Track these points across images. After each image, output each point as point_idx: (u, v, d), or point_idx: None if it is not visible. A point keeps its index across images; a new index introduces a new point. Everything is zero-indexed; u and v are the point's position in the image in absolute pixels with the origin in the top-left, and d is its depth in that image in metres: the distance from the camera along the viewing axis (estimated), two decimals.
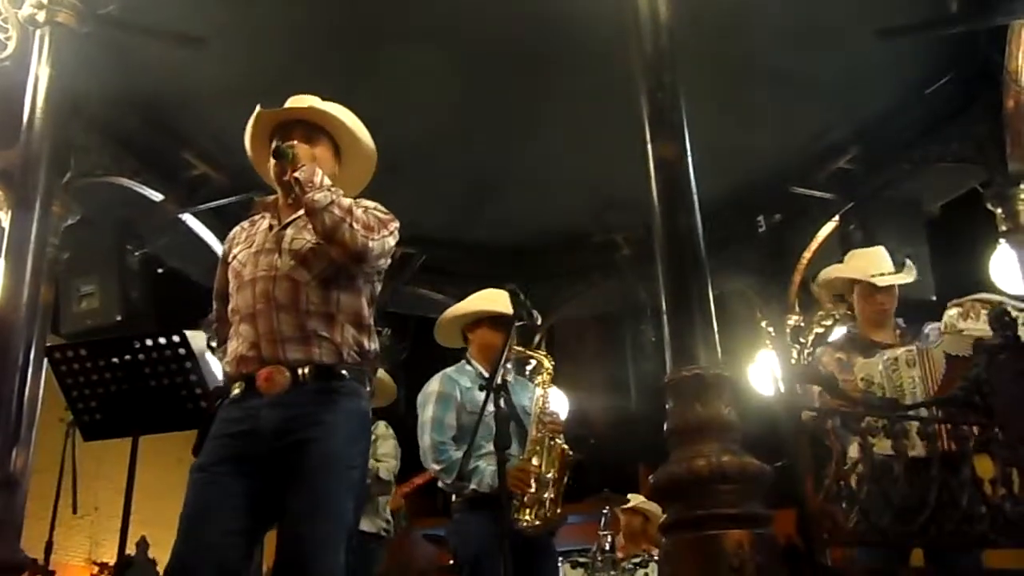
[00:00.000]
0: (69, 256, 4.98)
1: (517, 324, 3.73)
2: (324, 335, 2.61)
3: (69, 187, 4.66)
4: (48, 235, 3.93)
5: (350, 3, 4.50)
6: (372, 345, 2.75)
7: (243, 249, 2.81)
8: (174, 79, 4.66)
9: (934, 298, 5.18)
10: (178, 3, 4.31)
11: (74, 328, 5.21)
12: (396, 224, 2.80)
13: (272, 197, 2.89)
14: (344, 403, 2.59)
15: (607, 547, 5.76)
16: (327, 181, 2.67)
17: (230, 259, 2.84)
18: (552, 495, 3.75)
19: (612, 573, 5.45)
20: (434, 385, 4.01)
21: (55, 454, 5.09)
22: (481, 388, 3.48)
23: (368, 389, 2.73)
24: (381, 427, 4.90)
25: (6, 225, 3.86)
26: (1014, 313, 2.84)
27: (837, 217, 5.75)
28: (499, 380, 3.41)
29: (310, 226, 2.68)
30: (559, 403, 4.17)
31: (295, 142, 2.72)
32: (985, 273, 5.25)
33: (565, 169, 5.72)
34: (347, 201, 2.65)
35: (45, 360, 3.81)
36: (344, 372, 2.62)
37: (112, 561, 7.77)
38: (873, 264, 3.95)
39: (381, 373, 5.04)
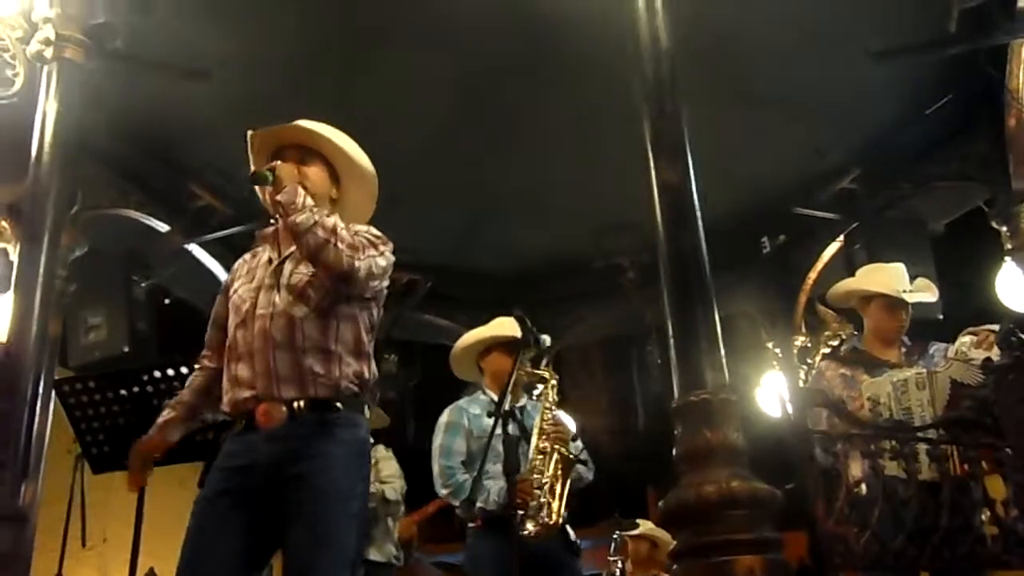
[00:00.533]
0: (77, 288, 4.99)
1: (524, 348, 3.77)
2: (320, 372, 2.60)
3: (76, 220, 4.69)
4: (56, 267, 3.94)
5: (350, 32, 4.54)
6: (370, 373, 2.73)
7: (244, 284, 2.79)
8: (179, 112, 4.70)
9: (940, 317, 5.18)
10: (182, 37, 4.36)
11: (82, 360, 5.23)
12: (388, 246, 2.77)
13: (272, 228, 2.86)
14: (341, 433, 2.59)
15: (617, 572, 5.73)
16: (310, 201, 2.62)
17: (231, 293, 2.82)
18: (550, 499, 3.73)
19: None
20: (443, 416, 4.11)
21: (64, 487, 5.09)
22: (489, 415, 3.51)
23: (366, 416, 2.71)
24: (381, 450, 4.89)
25: (15, 258, 3.88)
26: None
27: (842, 237, 5.75)
28: (507, 406, 3.44)
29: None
30: (567, 423, 4.18)
31: (276, 163, 2.68)
32: (991, 291, 5.25)
33: (569, 194, 5.74)
34: (331, 221, 2.61)
35: (53, 393, 3.83)
36: (339, 405, 2.62)
37: None
38: (896, 279, 3.93)
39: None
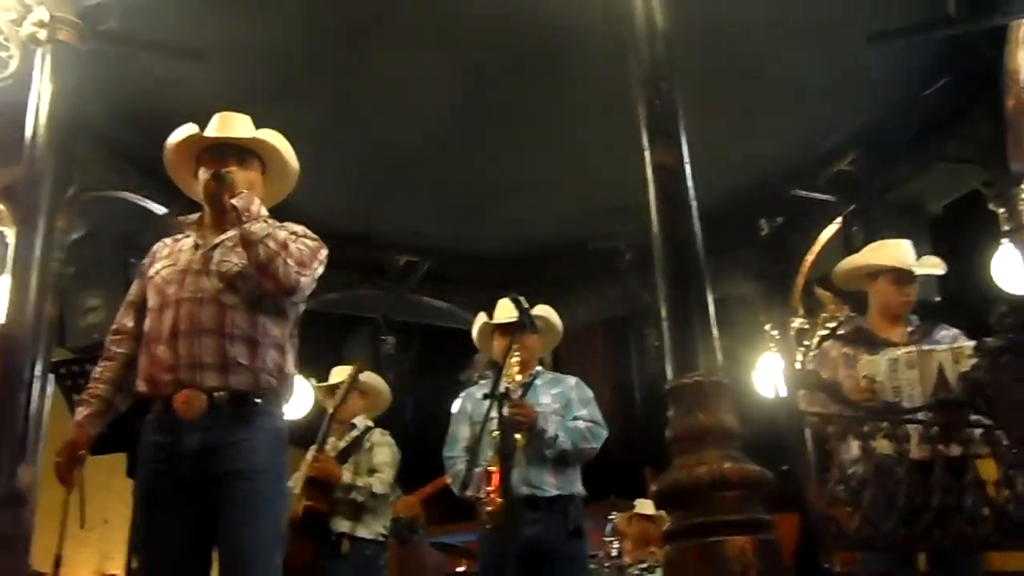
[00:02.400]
0: (74, 270, 5.00)
1: (520, 331, 3.79)
2: (243, 363, 2.67)
3: (73, 202, 4.69)
4: (53, 250, 3.95)
5: (348, 14, 4.52)
6: (291, 367, 2.81)
7: (167, 266, 2.82)
8: (176, 94, 4.68)
9: (938, 299, 5.19)
10: (177, 18, 4.34)
11: (80, 342, 5.24)
12: (325, 251, 2.87)
13: (196, 215, 2.93)
14: (260, 422, 2.68)
15: (614, 553, 5.76)
16: (264, 211, 2.74)
17: (151, 274, 2.85)
18: (487, 485, 3.74)
19: None
20: (455, 404, 4.25)
21: None
22: (485, 398, 3.53)
23: (283, 410, 2.82)
24: (377, 434, 4.85)
25: (11, 241, 3.88)
26: None
27: (839, 219, 5.75)
28: (502, 388, 3.46)
29: (239, 248, 2.73)
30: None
31: (233, 168, 2.79)
32: (988, 273, 5.25)
33: (566, 176, 5.73)
34: (282, 234, 2.72)
35: (51, 375, 3.85)
36: (258, 400, 2.69)
37: (121, 574, 7.78)
38: (905, 254, 3.92)
39: (377, 380, 5.03)
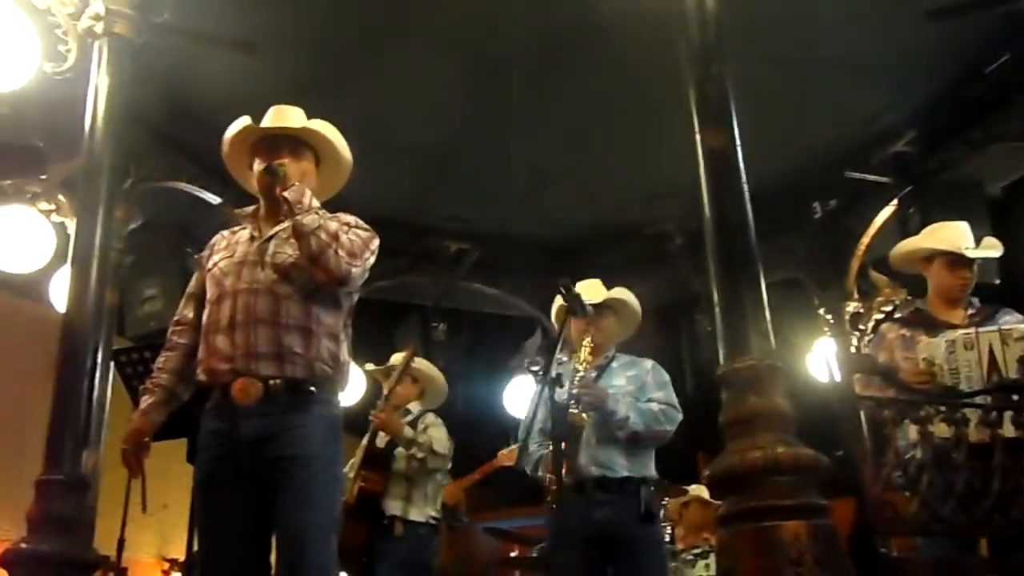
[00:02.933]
0: (132, 260, 5.10)
1: (570, 317, 3.79)
2: (298, 352, 2.72)
3: (130, 193, 4.79)
4: (112, 240, 4.03)
5: (397, 9, 4.54)
6: (345, 355, 2.86)
7: (225, 258, 2.89)
8: (229, 85, 4.74)
9: (997, 281, 5.07)
10: (231, 10, 4.40)
11: (138, 331, 5.36)
12: (376, 241, 2.91)
13: (252, 208, 2.99)
14: (315, 409, 2.72)
15: (667, 538, 5.74)
16: (315, 203, 2.77)
17: (210, 266, 2.92)
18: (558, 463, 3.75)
19: (672, 564, 5.42)
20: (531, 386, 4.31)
21: None
22: (536, 380, 3.54)
23: (338, 398, 2.87)
24: (430, 417, 4.94)
25: (72, 231, 3.97)
26: None
27: (895, 201, 5.64)
28: (554, 372, 3.46)
29: (292, 240, 2.77)
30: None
31: (285, 160, 2.84)
32: None
33: (616, 160, 5.70)
34: (334, 225, 2.75)
35: (112, 363, 3.93)
36: (313, 388, 2.73)
37: (181, 557, 7.95)
38: (960, 237, 3.84)
39: (430, 368, 5.09)
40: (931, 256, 3.84)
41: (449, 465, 4.96)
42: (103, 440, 4.28)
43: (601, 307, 4.11)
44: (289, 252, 2.80)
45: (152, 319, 5.28)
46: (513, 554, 6.62)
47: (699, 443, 4.05)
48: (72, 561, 3.27)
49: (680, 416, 3.99)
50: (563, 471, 3.62)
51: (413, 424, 4.86)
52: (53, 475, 3.32)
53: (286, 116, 2.96)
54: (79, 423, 3.45)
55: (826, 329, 6.07)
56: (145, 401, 2.87)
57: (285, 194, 2.74)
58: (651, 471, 3.97)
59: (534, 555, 6.08)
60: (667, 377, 4.12)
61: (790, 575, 2.18)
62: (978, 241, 3.91)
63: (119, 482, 5.03)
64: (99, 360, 3.66)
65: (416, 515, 4.69)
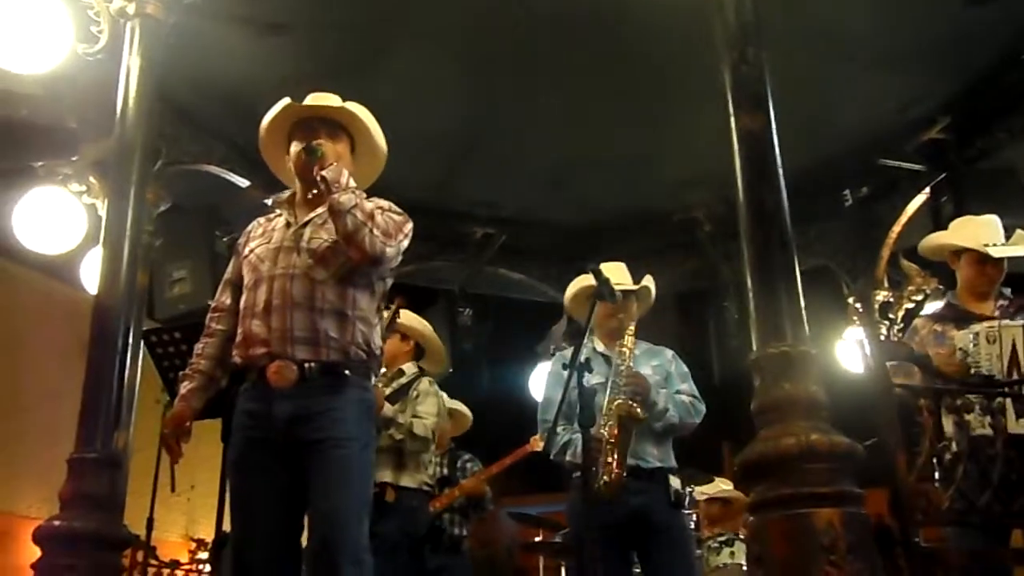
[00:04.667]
0: (162, 242, 5.13)
1: (599, 301, 3.76)
2: (334, 336, 2.74)
3: (160, 175, 4.80)
4: (143, 222, 4.06)
5: None
6: (378, 340, 2.88)
7: (261, 244, 2.92)
8: (260, 67, 4.74)
9: None
10: None
11: (168, 313, 5.38)
12: (410, 224, 2.93)
13: (288, 193, 3.01)
14: (350, 392, 2.75)
15: (692, 525, 5.72)
16: (352, 183, 2.79)
17: (246, 252, 2.95)
18: (608, 455, 3.73)
19: (697, 551, 5.41)
20: (549, 366, 4.26)
21: (153, 434, 5.26)
22: (564, 367, 3.53)
23: (371, 381, 2.90)
24: (424, 383, 4.70)
25: (103, 213, 3.99)
26: None
27: (928, 189, 5.57)
28: (583, 357, 3.44)
29: (328, 224, 2.80)
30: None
31: (322, 140, 2.85)
32: None
33: (643, 147, 5.65)
34: (369, 205, 2.77)
35: (142, 344, 3.96)
36: (347, 372, 2.76)
37: (209, 538, 8.03)
38: (986, 232, 3.81)
39: (420, 323, 4.90)
40: (958, 251, 3.81)
41: (433, 447, 4.74)
42: (133, 420, 4.31)
43: (629, 293, 4.09)
44: (324, 237, 2.82)
45: (181, 301, 5.31)
46: (537, 539, 6.62)
47: (724, 433, 4.03)
48: (104, 538, 3.30)
49: (704, 408, 4.02)
50: (612, 460, 3.66)
51: (407, 387, 4.66)
52: (86, 453, 3.36)
53: (325, 99, 2.98)
54: (111, 403, 3.47)
55: (855, 318, 6.01)
56: (185, 387, 2.91)
57: (323, 172, 2.77)
58: (674, 461, 4.01)
59: (558, 540, 6.09)
60: (686, 368, 4.14)
61: (822, 562, 2.16)
62: (1010, 232, 3.86)
63: (148, 462, 5.09)
64: (130, 341, 3.67)
65: (408, 481, 4.52)
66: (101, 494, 3.32)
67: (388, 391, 4.57)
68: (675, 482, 3.92)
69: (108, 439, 3.43)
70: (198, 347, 2.98)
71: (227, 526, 3.03)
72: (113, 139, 3.85)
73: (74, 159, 4.88)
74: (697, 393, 4.04)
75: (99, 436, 3.40)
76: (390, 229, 2.80)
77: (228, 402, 2.91)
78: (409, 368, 4.78)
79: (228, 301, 2.98)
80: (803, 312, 2.56)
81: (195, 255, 5.37)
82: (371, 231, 2.72)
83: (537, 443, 5.42)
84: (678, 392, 4.00)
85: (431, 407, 4.63)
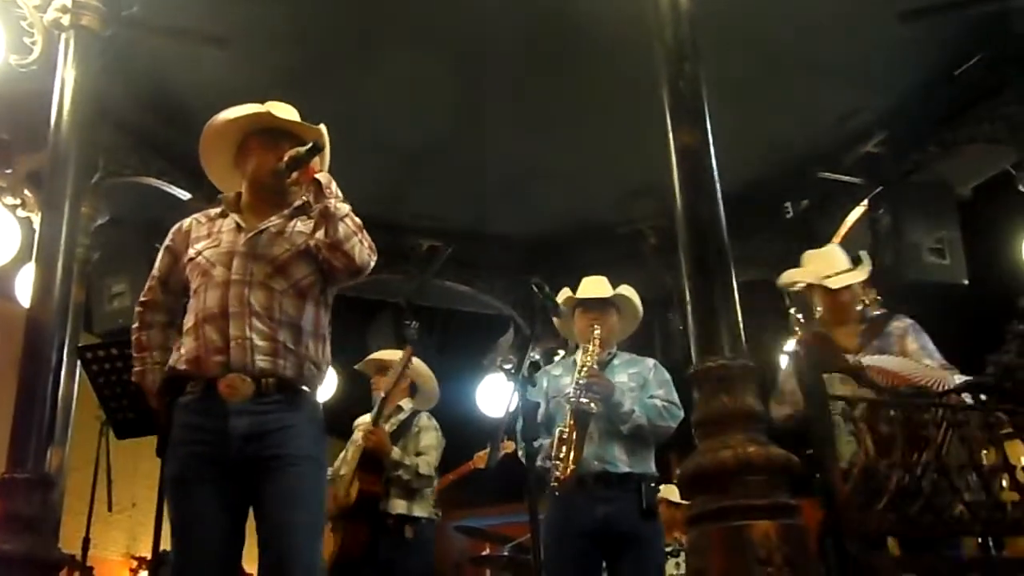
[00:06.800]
0: (99, 256, 5.03)
1: (540, 314, 3.80)
2: (291, 347, 2.68)
3: (97, 188, 4.72)
4: (78, 235, 3.98)
5: (370, 9, 4.50)
6: (328, 356, 2.84)
7: (209, 247, 2.81)
8: (199, 80, 4.69)
9: (966, 282, 5.12)
10: (199, 3, 4.34)
11: (106, 327, 5.29)
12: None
13: (233, 194, 2.94)
14: (305, 409, 2.70)
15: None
16: (339, 191, 2.76)
17: (192, 253, 2.83)
18: (566, 451, 3.78)
19: None
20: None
21: (91, 452, 5.17)
22: (507, 378, 3.54)
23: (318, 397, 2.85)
24: (424, 418, 4.98)
25: (37, 226, 3.90)
26: None
27: (866, 202, 5.67)
28: (524, 372, 3.45)
29: (287, 234, 2.76)
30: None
31: (311, 145, 2.79)
32: (1018, 256, 5.17)
33: (591, 160, 5.69)
34: (357, 220, 2.75)
35: (78, 359, 3.87)
36: (304, 387, 2.72)
37: (149, 555, 7.87)
38: (827, 265, 3.98)
39: (429, 372, 5.09)
40: (808, 285, 3.99)
41: (436, 482, 4.98)
42: (70, 438, 4.22)
43: (606, 304, 4.14)
44: (285, 247, 2.77)
45: (120, 315, 5.21)
46: (484, 552, 6.60)
47: (671, 442, 4.06)
48: (36, 561, 3.21)
49: (682, 414, 4.01)
50: (568, 458, 3.71)
51: (407, 423, 4.91)
52: (16, 473, 3.26)
53: (285, 112, 2.93)
54: (44, 421, 3.38)
55: (796, 329, 6.09)
56: (153, 382, 2.85)
57: (318, 176, 2.73)
58: (652, 468, 4.01)
59: (505, 553, 6.08)
60: (668, 376, 4.17)
61: (760, 575, 2.18)
62: (859, 253, 4.06)
63: (86, 480, 4.98)
64: (64, 357, 3.60)
65: (420, 511, 4.76)
66: (32, 515, 3.23)
67: (390, 428, 4.87)
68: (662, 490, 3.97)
69: (40, 458, 3.34)
70: (142, 340, 2.90)
71: (165, 544, 2.97)
72: (47, 151, 3.77)
73: (7, 171, 4.76)
74: (675, 399, 4.05)
75: (31, 455, 3.31)
76: (371, 243, 2.79)
77: (165, 415, 2.82)
78: (406, 404, 5.05)
79: (160, 296, 2.91)
80: (741, 325, 2.59)
81: (134, 269, 5.26)
82: (361, 241, 2.71)
83: (481, 460, 5.44)
84: (652, 397, 4.02)
85: (431, 440, 4.90)
